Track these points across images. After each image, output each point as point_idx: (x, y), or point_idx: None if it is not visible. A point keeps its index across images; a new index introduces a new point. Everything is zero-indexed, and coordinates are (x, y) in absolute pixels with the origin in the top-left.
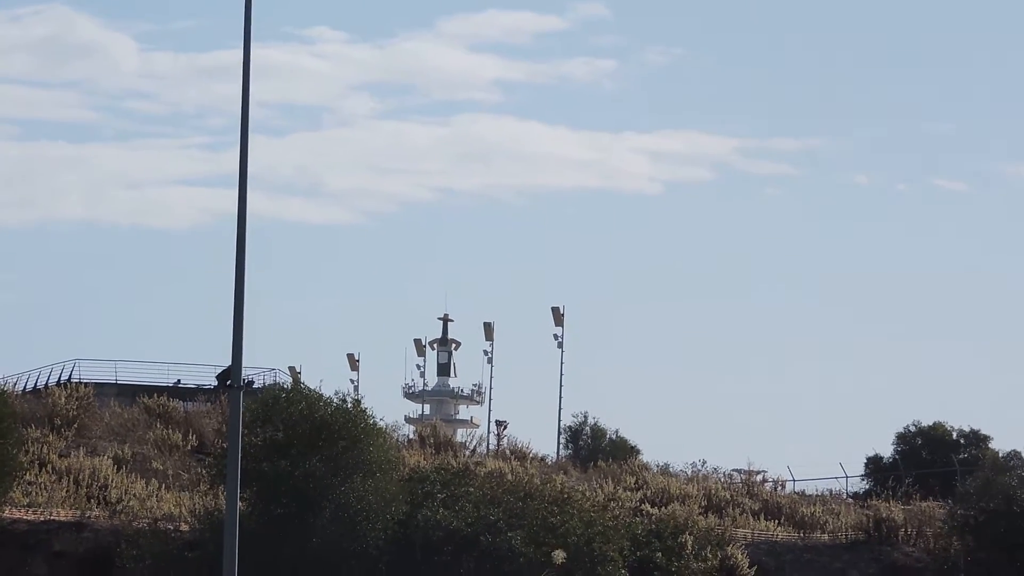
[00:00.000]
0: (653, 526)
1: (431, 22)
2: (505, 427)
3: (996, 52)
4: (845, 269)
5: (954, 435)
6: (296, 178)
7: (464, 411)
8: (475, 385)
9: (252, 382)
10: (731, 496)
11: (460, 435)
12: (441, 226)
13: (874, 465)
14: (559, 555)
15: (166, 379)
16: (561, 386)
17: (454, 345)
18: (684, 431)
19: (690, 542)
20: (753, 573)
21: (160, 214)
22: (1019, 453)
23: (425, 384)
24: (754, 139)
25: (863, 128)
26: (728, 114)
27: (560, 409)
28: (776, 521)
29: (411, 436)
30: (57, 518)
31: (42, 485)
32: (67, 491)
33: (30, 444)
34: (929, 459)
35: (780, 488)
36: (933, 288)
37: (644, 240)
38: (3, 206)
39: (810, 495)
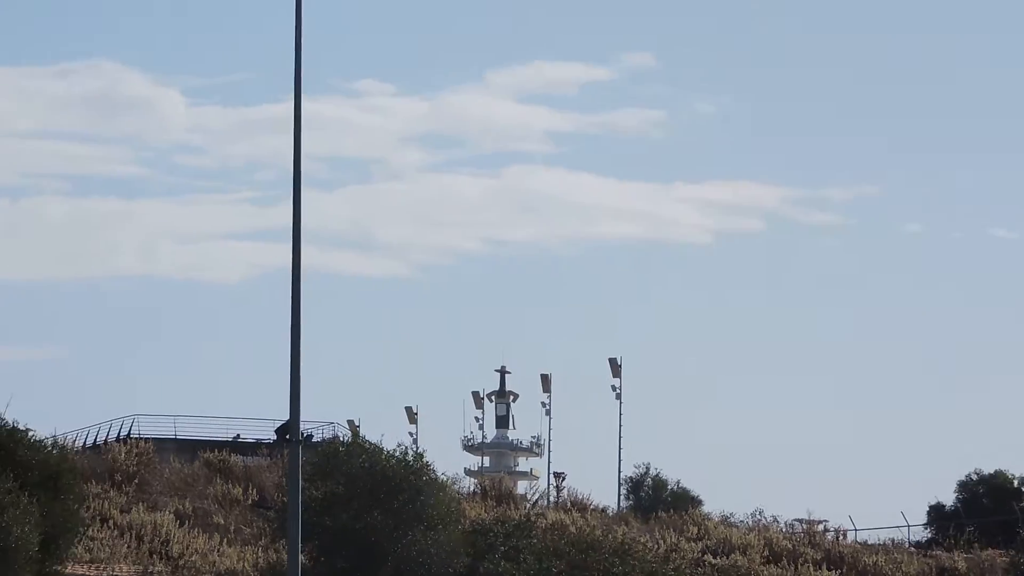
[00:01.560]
0: None
1: (479, 74)
2: (564, 478)
3: None
4: (902, 316)
5: (1015, 483)
6: (347, 231)
7: (523, 463)
8: (534, 437)
9: (311, 436)
10: (792, 546)
11: (520, 487)
12: (494, 278)
13: (936, 513)
14: None
15: (225, 434)
16: (620, 437)
17: (512, 397)
18: (745, 481)
19: None
20: None
21: (212, 268)
22: None
23: (484, 436)
24: (804, 188)
25: (915, 176)
26: (777, 163)
27: (620, 460)
28: (838, 571)
29: (471, 488)
30: (120, 573)
31: (104, 541)
32: (129, 547)
33: (91, 500)
34: (991, 507)
35: (842, 537)
36: (990, 334)
37: (696, 290)
38: (55, 262)
39: (872, 544)
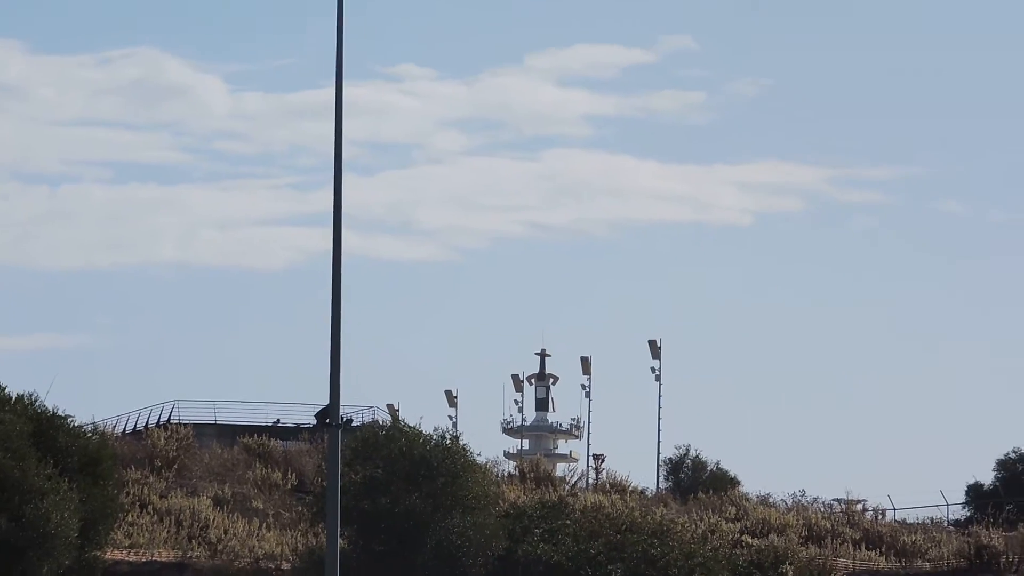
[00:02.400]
0: (754, 557)
1: (519, 57)
2: (603, 460)
3: None
4: (941, 295)
5: None
6: (387, 216)
7: (563, 445)
8: (573, 419)
9: (351, 420)
10: (831, 526)
11: (559, 469)
12: (534, 261)
13: (974, 492)
14: None
15: (265, 419)
16: (660, 418)
17: (552, 380)
18: (783, 461)
19: (791, 572)
20: None
21: (252, 254)
22: None
23: (524, 419)
24: (845, 168)
25: (956, 156)
26: (818, 144)
27: (659, 441)
28: (877, 550)
29: (511, 471)
30: (159, 559)
31: (143, 526)
32: (168, 532)
33: (131, 485)
34: None
35: (880, 517)
36: None
37: (737, 271)
38: (96, 249)
39: (911, 523)
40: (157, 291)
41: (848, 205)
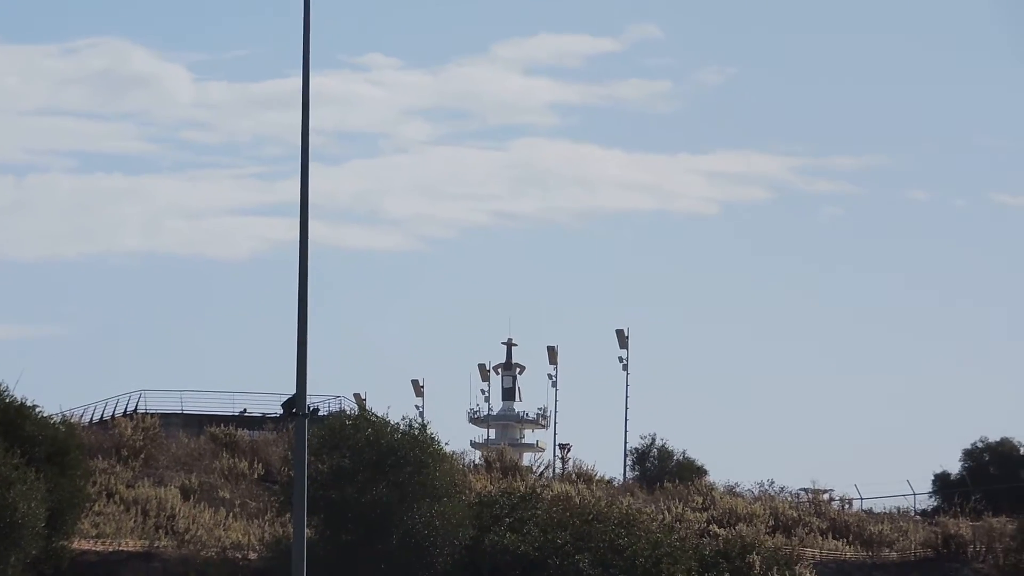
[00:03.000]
0: (720, 547)
1: (485, 46)
2: (569, 450)
3: None
4: (906, 285)
5: (1022, 450)
6: (354, 205)
7: (529, 435)
8: (540, 409)
9: (317, 410)
10: (798, 515)
11: (526, 459)
12: (501, 250)
13: (941, 482)
14: None
15: (231, 408)
16: (627, 408)
17: (518, 369)
18: (750, 451)
19: (758, 562)
20: None
21: (218, 244)
22: None
23: (490, 409)
24: (810, 158)
25: (920, 143)
26: (783, 133)
27: (626, 431)
28: (844, 540)
29: (477, 461)
30: (126, 548)
31: (110, 516)
32: (135, 521)
33: (97, 475)
34: (997, 475)
35: (847, 506)
36: (995, 302)
37: (703, 261)
38: (61, 239)
39: (878, 513)
40: (123, 281)
41: (814, 194)
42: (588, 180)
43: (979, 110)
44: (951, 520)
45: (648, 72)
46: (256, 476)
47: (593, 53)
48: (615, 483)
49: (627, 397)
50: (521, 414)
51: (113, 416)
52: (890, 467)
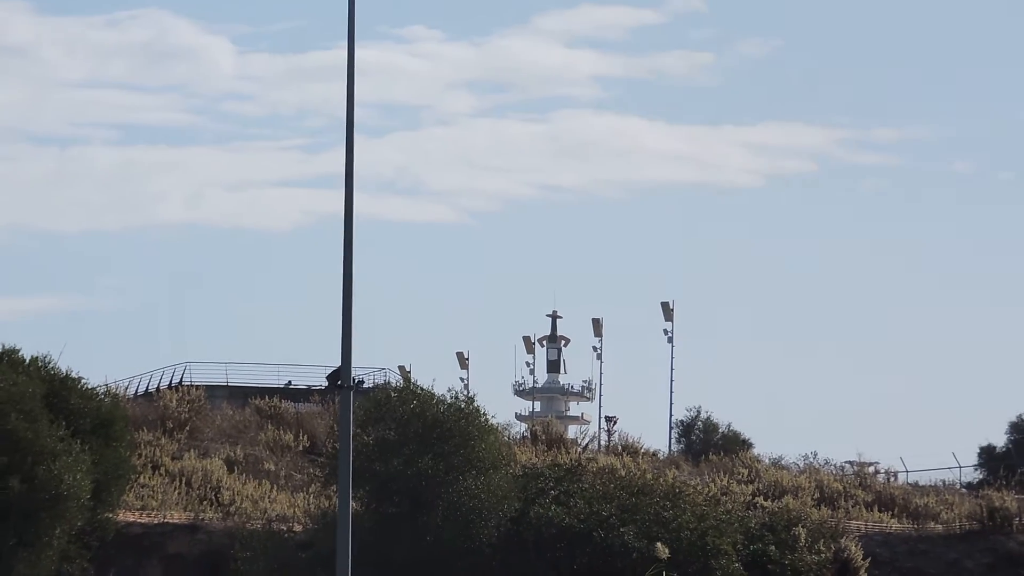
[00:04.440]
0: (766, 519)
1: (526, 18)
2: (615, 422)
3: None
4: (951, 257)
5: None
6: (397, 177)
7: (575, 407)
8: (585, 381)
9: (362, 382)
10: (844, 488)
11: (571, 431)
12: (544, 223)
13: (987, 455)
14: (663, 549)
15: (276, 381)
16: (672, 381)
17: (563, 342)
18: (796, 423)
19: (803, 535)
20: (868, 565)
21: (261, 215)
22: None
23: (535, 381)
24: (854, 130)
25: (965, 116)
26: (827, 105)
27: (671, 404)
28: (889, 512)
29: (522, 433)
30: (171, 520)
31: (155, 488)
32: (180, 493)
33: (143, 447)
34: None
35: (892, 479)
36: None
37: (747, 233)
38: (104, 210)
39: (923, 486)
40: (165, 253)
41: (858, 166)
42: (631, 152)
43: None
44: (996, 493)
45: (691, 44)
46: (301, 448)
47: (635, 25)
48: (660, 456)
49: (672, 369)
50: (566, 386)
51: (158, 388)
52: (936, 440)
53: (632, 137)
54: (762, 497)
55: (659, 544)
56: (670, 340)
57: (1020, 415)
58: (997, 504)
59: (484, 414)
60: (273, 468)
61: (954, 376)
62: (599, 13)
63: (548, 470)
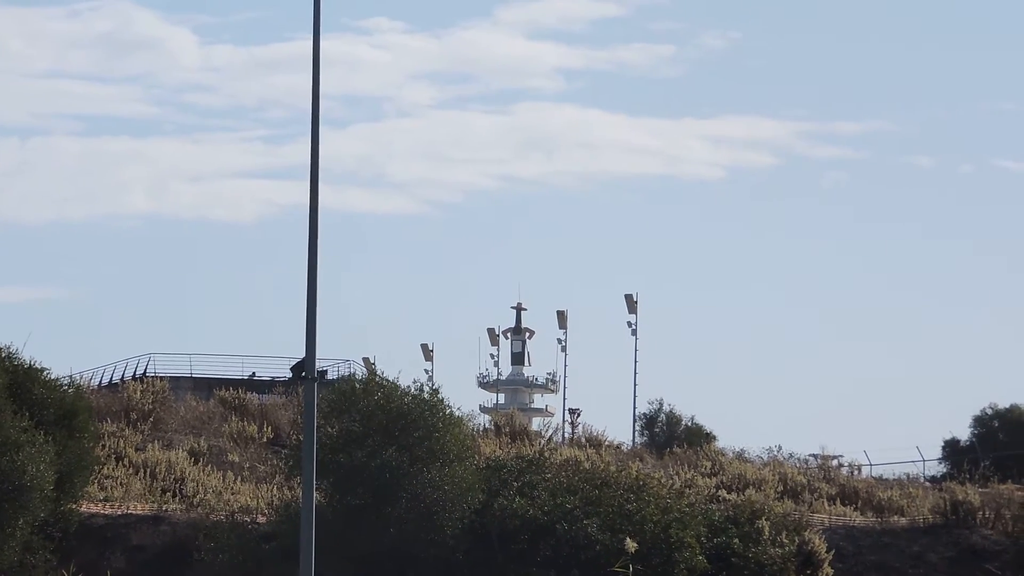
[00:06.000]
0: (730, 512)
1: (488, 10)
2: (579, 415)
3: None
4: (913, 250)
5: None
6: (359, 169)
7: (539, 399)
8: (549, 373)
9: (326, 373)
10: (807, 481)
11: (535, 424)
12: (506, 215)
13: (951, 448)
14: (631, 543)
15: (240, 372)
16: (636, 373)
17: (528, 334)
18: (759, 417)
19: (767, 528)
20: (831, 558)
21: (224, 207)
22: None
23: (499, 373)
24: (815, 123)
25: (926, 109)
26: (789, 98)
27: (635, 396)
28: (853, 506)
29: (486, 425)
30: (134, 512)
31: (119, 479)
32: (144, 485)
33: (106, 438)
34: (1006, 442)
35: (856, 472)
36: (1002, 268)
37: (708, 225)
38: (67, 201)
39: (887, 479)
40: (129, 244)
41: (819, 160)
42: (593, 144)
43: (984, 75)
44: (960, 486)
45: (652, 36)
46: (265, 440)
47: (597, 17)
48: (624, 448)
49: (636, 362)
50: (530, 379)
51: (122, 379)
52: (899, 433)
53: (593, 129)
54: (726, 490)
55: (628, 539)
56: (634, 332)
57: (984, 409)
58: (960, 498)
59: (448, 406)
60: (237, 459)
61: (918, 370)
62: (561, 5)
63: (512, 462)
